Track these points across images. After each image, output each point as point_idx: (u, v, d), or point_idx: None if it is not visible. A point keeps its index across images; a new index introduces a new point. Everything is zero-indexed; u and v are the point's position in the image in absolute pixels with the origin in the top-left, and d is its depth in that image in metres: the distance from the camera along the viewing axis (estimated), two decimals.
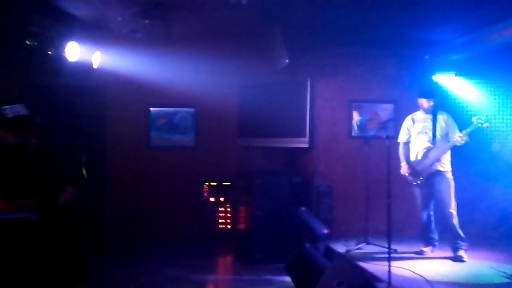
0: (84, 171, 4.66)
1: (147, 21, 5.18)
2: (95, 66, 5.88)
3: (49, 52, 5.08)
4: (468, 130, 5.30)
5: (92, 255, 5.62)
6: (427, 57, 6.80)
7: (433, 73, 6.63)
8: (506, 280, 4.69)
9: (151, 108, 7.34)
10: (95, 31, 5.78)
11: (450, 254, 5.49)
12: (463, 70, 6.57)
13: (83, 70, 5.73)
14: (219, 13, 5.34)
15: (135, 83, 6.86)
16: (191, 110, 7.46)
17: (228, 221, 7.20)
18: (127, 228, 7.06)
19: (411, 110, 5.93)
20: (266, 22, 5.78)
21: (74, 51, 5.26)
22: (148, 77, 6.80)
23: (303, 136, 6.70)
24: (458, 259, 5.36)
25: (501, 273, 4.86)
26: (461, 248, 5.43)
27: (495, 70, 6.37)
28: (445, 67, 6.61)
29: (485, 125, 5.24)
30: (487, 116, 5.26)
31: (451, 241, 5.51)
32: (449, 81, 6.65)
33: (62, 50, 5.14)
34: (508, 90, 6.57)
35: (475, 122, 5.27)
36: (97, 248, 5.98)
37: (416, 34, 6.18)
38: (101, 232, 6.80)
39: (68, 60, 5.22)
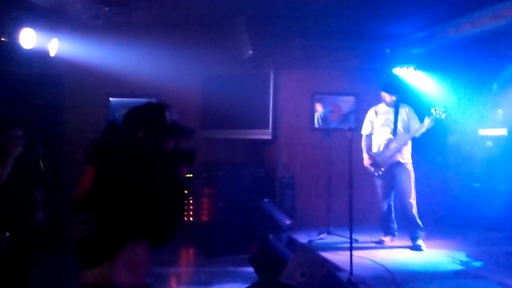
0: (41, 163, 4.50)
1: (106, 8, 5.04)
2: (52, 54, 5.66)
3: (2, 39, 4.85)
4: (429, 118, 5.45)
5: (48, 250, 5.53)
6: (387, 50, 6.92)
7: (394, 66, 6.76)
8: (461, 267, 4.86)
9: (111, 98, 7.16)
10: (52, 17, 5.56)
11: (409, 243, 5.64)
12: (422, 64, 6.72)
13: (39, 58, 5.51)
14: (182, 1, 5.26)
15: (94, 72, 6.66)
16: (153, 100, 7.31)
17: (191, 213, 7.13)
18: None
19: (372, 102, 6.02)
20: (230, 12, 5.73)
21: (29, 38, 5.04)
22: (108, 66, 6.60)
23: (266, 127, 6.71)
24: (416, 248, 5.52)
25: (456, 260, 5.04)
26: (420, 238, 5.59)
27: (453, 64, 6.56)
28: (405, 61, 6.75)
29: (443, 116, 5.40)
30: (445, 108, 5.42)
31: (410, 230, 5.66)
32: (408, 74, 6.79)
33: (17, 37, 4.92)
34: (465, 84, 6.79)
35: (434, 114, 5.42)
36: (54, 242, 5.80)
37: (377, 28, 6.29)
38: (57, 224, 6.58)
39: (23, 47, 5.00)
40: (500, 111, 6.89)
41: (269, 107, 6.71)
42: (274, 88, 6.79)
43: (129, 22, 5.25)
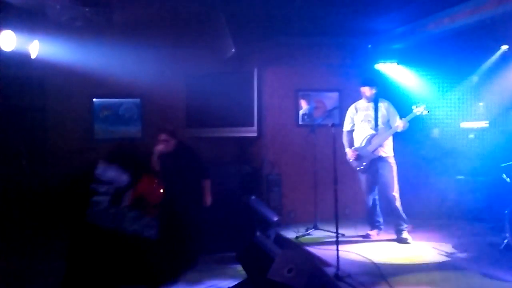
0: (24, 164, 4.49)
1: (86, 9, 4.99)
2: (33, 56, 5.60)
3: None
4: (408, 117, 5.51)
5: (30, 247, 5.47)
6: (369, 46, 6.97)
7: (376, 62, 6.81)
8: (446, 259, 4.94)
9: (94, 99, 7.10)
10: (32, 19, 5.48)
11: (395, 236, 5.71)
12: (404, 59, 6.78)
13: (20, 60, 5.44)
14: (163, 0, 5.23)
15: (77, 73, 6.59)
16: (137, 100, 7.28)
17: None
18: (70, 221, 6.80)
19: (356, 98, 6.07)
20: (211, 11, 5.72)
21: (9, 40, 4.98)
22: (90, 67, 6.56)
23: (251, 125, 6.73)
24: (402, 241, 5.58)
25: (442, 252, 5.11)
26: (405, 230, 5.65)
27: (434, 58, 6.63)
28: (387, 56, 6.80)
29: (424, 113, 5.47)
30: (426, 104, 5.49)
31: (394, 223, 5.73)
32: (391, 70, 6.85)
33: None
34: (446, 77, 6.87)
35: (414, 110, 5.49)
36: (37, 240, 5.74)
37: (358, 24, 6.32)
38: (41, 224, 6.52)
39: (2, 49, 4.94)
40: (481, 103, 6.98)
41: (253, 104, 6.72)
42: (258, 86, 6.80)
43: (109, 23, 5.19)
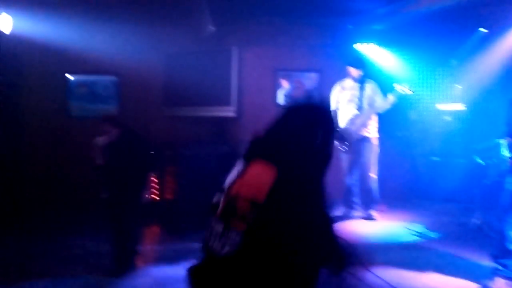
0: None
1: None
2: (7, 31, 5.45)
3: None
4: (393, 94, 5.53)
5: (5, 228, 5.42)
6: (350, 26, 6.93)
7: (356, 43, 6.79)
8: (417, 238, 5.02)
9: (70, 76, 6.96)
10: None
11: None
12: (385, 40, 6.77)
13: None
14: None
15: (52, 49, 6.46)
16: (114, 78, 7.16)
17: (155, 191, 7.08)
18: (46, 199, 6.74)
19: (335, 79, 6.05)
20: None
21: None
22: (66, 43, 6.42)
23: (229, 104, 6.67)
24: (369, 217, 5.69)
25: (414, 232, 5.19)
26: (373, 209, 5.74)
27: (413, 40, 6.63)
28: (367, 37, 6.78)
29: (408, 92, 5.51)
30: (409, 84, 5.52)
31: (367, 202, 5.80)
32: (371, 50, 6.84)
33: None
34: (425, 59, 6.89)
35: (398, 89, 5.51)
36: (11, 221, 5.68)
37: (339, 4, 6.27)
38: (15, 203, 6.45)
39: None
40: (458, 86, 7.03)
41: (232, 84, 6.66)
42: (238, 65, 6.73)
43: None
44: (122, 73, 7.07)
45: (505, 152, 3.95)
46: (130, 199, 4.70)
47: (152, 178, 6.80)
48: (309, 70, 7.19)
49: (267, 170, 1.72)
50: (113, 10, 6.43)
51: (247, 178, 1.73)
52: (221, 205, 1.80)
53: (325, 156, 1.94)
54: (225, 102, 6.71)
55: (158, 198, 7.02)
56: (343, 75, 5.89)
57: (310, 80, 7.16)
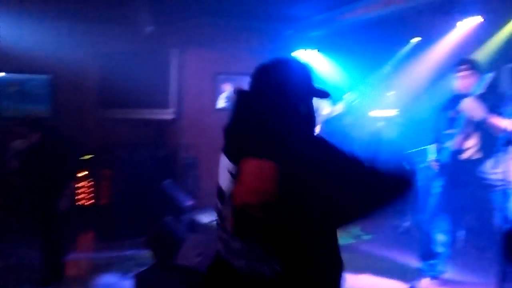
0: None
1: None
2: None
3: None
4: (342, 103, 5.66)
5: None
6: (289, 32, 7.03)
7: (296, 49, 6.88)
8: (353, 240, 5.16)
9: None
10: None
11: None
12: (324, 47, 6.91)
13: None
14: None
15: None
16: (46, 77, 6.83)
17: (90, 196, 6.83)
18: None
19: None
20: None
21: None
22: None
23: (168, 107, 6.56)
24: None
25: (348, 235, 5.33)
26: None
27: (351, 47, 6.82)
28: (307, 43, 6.90)
29: (355, 101, 5.66)
30: (356, 93, 5.68)
31: None
32: (311, 57, 6.96)
33: None
34: (362, 67, 7.09)
35: (346, 98, 5.65)
36: None
37: (278, 10, 6.34)
38: None
39: None
40: (392, 92, 7.29)
41: (170, 86, 6.55)
42: (178, 67, 6.63)
43: None
44: (56, 72, 6.76)
45: (432, 157, 4.14)
46: (50, 206, 4.46)
47: (85, 183, 6.57)
48: (249, 74, 7.16)
49: (264, 163, 1.48)
50: (47, 5, 6.13)
51: (247, 179, 1.50)
52: (230, 220, 1.58)
53: (311, 118, 1.73)
54: (164, 105, 6.58)
55: (90, 203, 6.78)
56: None
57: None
